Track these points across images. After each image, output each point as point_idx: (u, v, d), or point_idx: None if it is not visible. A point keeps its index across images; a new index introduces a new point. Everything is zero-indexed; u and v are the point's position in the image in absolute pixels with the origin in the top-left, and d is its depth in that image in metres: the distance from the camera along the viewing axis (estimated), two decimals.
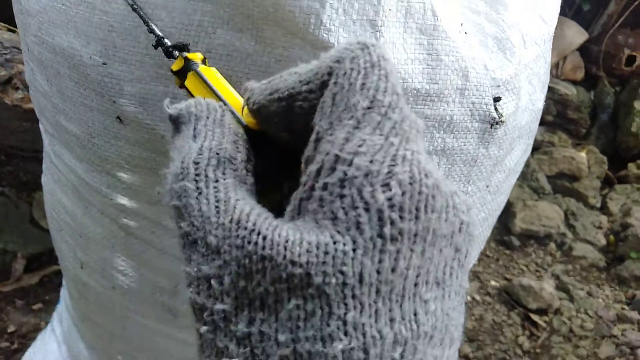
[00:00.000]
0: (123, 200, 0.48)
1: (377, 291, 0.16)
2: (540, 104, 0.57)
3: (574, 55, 1.98)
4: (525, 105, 0.52)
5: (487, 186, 0.52)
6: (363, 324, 0.16)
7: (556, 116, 1.94)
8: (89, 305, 0.64)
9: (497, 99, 0.46)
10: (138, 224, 0.49)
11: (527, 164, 1.89)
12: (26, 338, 0.99)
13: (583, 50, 1.98)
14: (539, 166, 1.83)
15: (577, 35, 1.93)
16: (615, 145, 2.02)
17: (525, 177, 1.81)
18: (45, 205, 0.68)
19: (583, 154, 1.86)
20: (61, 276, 1.16)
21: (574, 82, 1.96)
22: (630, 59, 2.03)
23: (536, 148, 1.87)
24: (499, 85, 0.45)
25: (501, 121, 0.46)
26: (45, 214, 1.04)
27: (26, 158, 1.26)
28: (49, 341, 0.85)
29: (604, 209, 1.82)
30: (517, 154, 0.54)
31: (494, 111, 0.46)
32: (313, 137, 0.18)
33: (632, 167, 1.89)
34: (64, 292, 0.81)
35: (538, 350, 1.25)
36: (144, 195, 0.47)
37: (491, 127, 0.46)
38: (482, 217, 0.55)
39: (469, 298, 1.40)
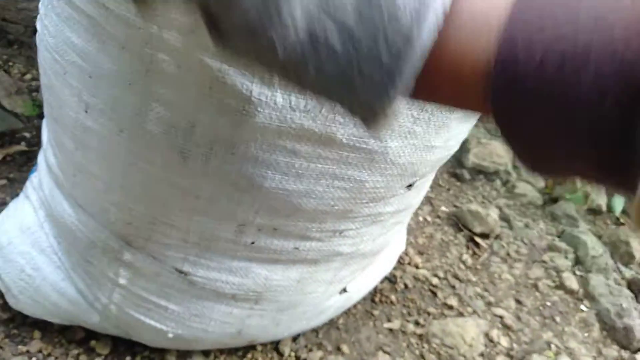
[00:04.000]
0: (153, 29, 0.49)
1: None
2: None
3: None
4: None
5: None
6: None
7: None
8: (87, 154, 0.64)
9: None
10: (165, 56, 0.50)
11: None
12: None
13: None
14: None
15: None
16: None
17: (482, 118, 1.91)
18: (42, 55, 0.67)
19: None
20: (25, 156, 1.13)
21: None
22: None
23: None
24: None
25: None
26: (10, 94, 1.00)
27: None
28: (23, 207, 0.85)
29: None
30: None
31: None
32: None
33: None
34: (43, 156, 0.80)
35: (479, 267, 1.38)
36: (176, 22, 0.48)
37: None
38: None
39: (420, 219, 1.50)
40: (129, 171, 0.62)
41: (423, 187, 0.77)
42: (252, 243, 0.67)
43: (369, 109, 0.27)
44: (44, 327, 0.82)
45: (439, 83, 0.27)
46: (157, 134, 0.56)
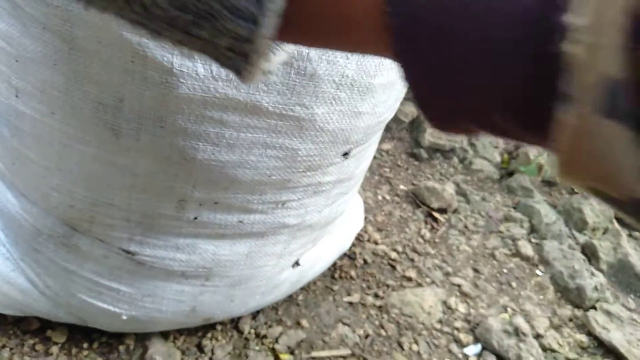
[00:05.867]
0: (71, 7, 0.50)
1: None
2: None
3: None
4: None
5: None
6: None
7: None
8: (23, 140, 0.65)
9: None
10: (85, 33, 0.51)
11: None
12: None
13: None
14: None
15: None
16: None
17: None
18: None
19: None
20: None
21: None
22: None
23: None
24: None
25: None
26: None
27: None
28: None
29: None
30: None
31: None
32: None
33: None
34: None
35: (437, 240, 1.42)
36: None
37: None
38: None
39: (379, 198, 1.54)
40: (65, 153, 0.63)
41: (363, 157, 0.80)
42: (195, 218, 0.69)
43: (237, 52, 0.24)
44: None
45: (323, 20, 0.23)
46: (87, 112, 0.57)
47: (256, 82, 0.28)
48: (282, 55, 0.27)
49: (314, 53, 0.55)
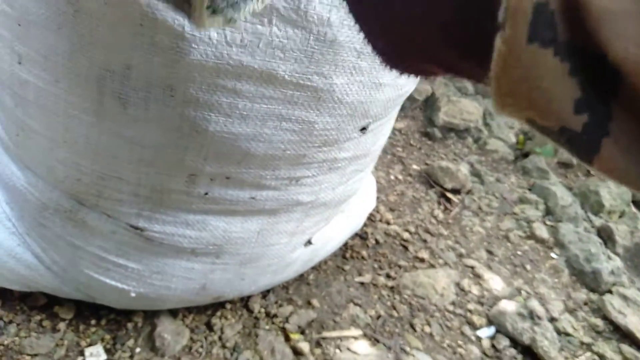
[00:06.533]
0: None
1: None
2: None
3: None
4: None
5: None
6: None
7: None
8: (27, 110, 0.62)
9: None
10: None
11: None
12: None
13: None
14: None
15: None
16: None
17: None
18: None
19: None
20: None
21: None
22: None
23: None
24: None
25: None
26: None
27: None
28: None
29: None
30: None
31: None
32: None
33: None
34: None
35: (450, 221, 1.39)
36: None
37: None
38: None
39: (392, 177, 1.51)
40: (71, 124, 0.60)
41: (381, 133, 0.76)
42: (206, 194, 0.66)
43: None
44: (4, 295, 0.81)
45: None
46: (94, 80, 0.54)
47: (209, 28, 0.28)
48: (253, 4, 0.28)
49: (335, 17, 0.51)
